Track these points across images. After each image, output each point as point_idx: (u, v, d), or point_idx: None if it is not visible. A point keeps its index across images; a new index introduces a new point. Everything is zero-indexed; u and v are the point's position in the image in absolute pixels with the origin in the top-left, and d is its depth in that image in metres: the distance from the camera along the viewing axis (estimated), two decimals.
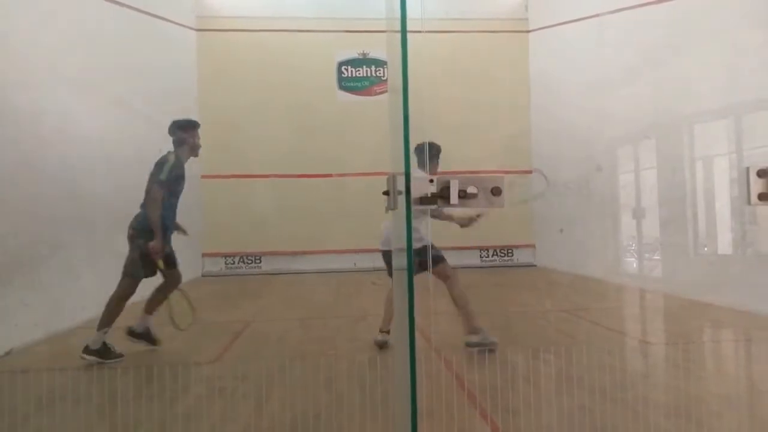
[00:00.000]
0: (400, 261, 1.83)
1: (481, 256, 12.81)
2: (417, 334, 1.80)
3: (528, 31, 13.10)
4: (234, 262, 12.36)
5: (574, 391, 3.81)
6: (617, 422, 3.34)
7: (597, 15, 9.62)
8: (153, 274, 5.41)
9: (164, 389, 4.12)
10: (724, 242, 7.70)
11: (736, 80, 6.74)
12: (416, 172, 1.68)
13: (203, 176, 12.14)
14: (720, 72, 7.11)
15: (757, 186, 1.75)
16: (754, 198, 1.77)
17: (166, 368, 4.67)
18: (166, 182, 5.32)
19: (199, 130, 5.72)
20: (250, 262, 12.29)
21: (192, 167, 11.93)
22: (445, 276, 5.27)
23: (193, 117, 12.16)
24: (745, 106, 6.95)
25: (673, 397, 3.83)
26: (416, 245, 4.87)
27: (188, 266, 11.47)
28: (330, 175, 11.86)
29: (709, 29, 7.35)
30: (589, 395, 3.68)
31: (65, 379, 4.49)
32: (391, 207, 1.82)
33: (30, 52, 6.28)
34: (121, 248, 7.95)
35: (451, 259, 13.00)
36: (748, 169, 1.76)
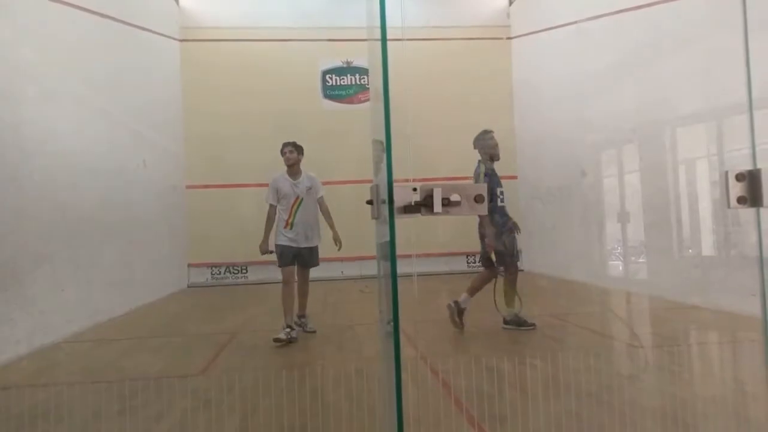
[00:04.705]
0: (384, 268, 1.82)
1: (468, 262, 12.83)
2: (403, 341, 1.79)
3: (510, 38, 13.19)
4: (220, 273, 12.30)
5: (562, 395, 3.82)
6: (605, 426, 3.34)
7: (577, 21, 9.70)
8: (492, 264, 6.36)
9: (149, 403, 4.08)
10: (708, 244, 7.76)
11: (715, 84, 6.81)
12: None
13: (188, 186, 12.10)
14: (699, 76, 7.19)
15: (735, 189, 1.77)
16: (733, 201, 1.78)
17: (151, 381, 4.63)
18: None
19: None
20: (236, 272, 12.24)
21: (177, 177, 11.92)
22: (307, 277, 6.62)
23: (178, 127, 12.20)
24: (724, 110, 7.02)
25: (660, 399, 3.84)
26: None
27: (174, 277, 11.44)
28: None
29: (687, 34, 7.42)
30: (577, 400, 3.69)
31: (48, 395, 4.43)
32: (375, 216, 1.81)
33: (11, 64, 6.22)
34: (106, 260, 7.92)
35: (439, 264, 13.03)
36: (726, 173, 1.77)
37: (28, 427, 3.70)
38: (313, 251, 6.49)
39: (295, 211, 6.34)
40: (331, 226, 6.55)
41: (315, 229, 6.48)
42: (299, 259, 6.41)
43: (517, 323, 6.25)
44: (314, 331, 6.57)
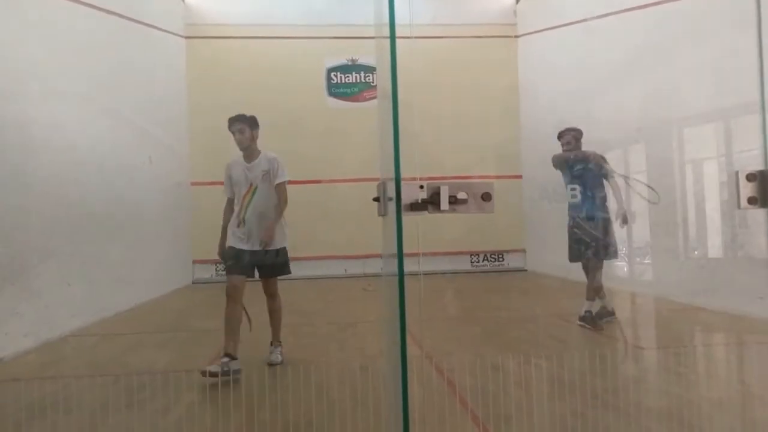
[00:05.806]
0: (389, 267, 1.82)
1: (471, 261, 12.82)
2: (408, 341, 1.79)
3: (517, 36, 13.16)
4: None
5: (567, 396, 3.81)
6: (610, 427, 3.33)
7: (585, 20, 9.67)
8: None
9: (156, 397, 4.10)
10: (715, 245, 7.72)
11: (724, 83, 6.77)
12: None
13: (193, 183, 12.10)
14: (708, 75, 7.15)
15: (746, 190, 1.76)
16: (743, 202, 1.77)
17: (158, 376, 4.64)
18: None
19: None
20: None
21: (182, 174, 11.92)
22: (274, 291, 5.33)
23: (183, 124, 12.18)
24: (733, 109, 6.97)
25: (666, 401, 3.83)
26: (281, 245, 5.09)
27: (179, 273, 11.45)
28: (319, 181, 11.85)
29: (696, 32, 7.38)
30: (582, 400, 3.68)
31: (56, 387, 4.45)
32: (382, 213, 1.81)
33: (16, 61, 6.22)
34: (111, 256, 7.93)
35: (443, 264, 12.98)
36: (737, 173, 1.76)
37: (38, 418, 3.71)
38: (276, 255, 5.14)
39: (248, 203, 5.05)
40: (274, 219, 5.05)
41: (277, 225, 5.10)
42: (260, 268, 5.18)
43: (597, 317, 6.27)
44: (278, 363, 5.04)
